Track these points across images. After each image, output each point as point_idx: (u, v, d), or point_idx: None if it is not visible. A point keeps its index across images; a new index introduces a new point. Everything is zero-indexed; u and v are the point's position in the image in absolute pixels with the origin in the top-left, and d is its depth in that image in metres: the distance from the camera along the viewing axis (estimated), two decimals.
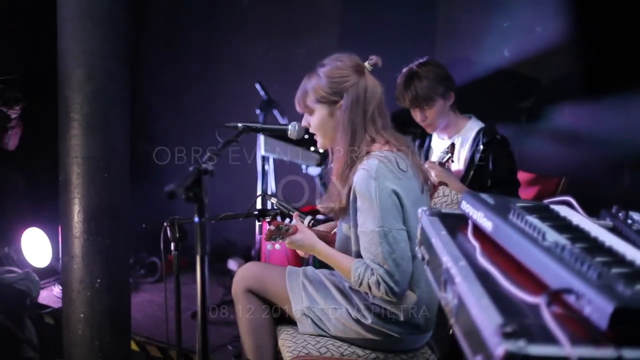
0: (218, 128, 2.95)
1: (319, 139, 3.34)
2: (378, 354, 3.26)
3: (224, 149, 2.67)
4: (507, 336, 1.35)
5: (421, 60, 4.41)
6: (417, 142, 4.76)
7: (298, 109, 3.36)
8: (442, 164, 4.35)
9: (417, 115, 4.43)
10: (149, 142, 7.36)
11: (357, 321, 3.23)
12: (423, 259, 2.29)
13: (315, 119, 3.28)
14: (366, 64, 3.31)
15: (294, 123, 3.21)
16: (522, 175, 4.69)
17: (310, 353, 3.22)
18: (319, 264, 3.47)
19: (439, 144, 4.65)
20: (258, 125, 3.09)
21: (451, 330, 1.78)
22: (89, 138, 4.03)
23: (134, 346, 5.14)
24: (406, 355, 3.30)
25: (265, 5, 6.84)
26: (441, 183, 4.24)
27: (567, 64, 5.17)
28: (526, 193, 4.68)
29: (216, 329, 5.35)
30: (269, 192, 5.70)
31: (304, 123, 3.36)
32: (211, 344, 4.94)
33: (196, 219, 2.35)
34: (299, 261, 4.89)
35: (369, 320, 3.21)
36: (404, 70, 4.39)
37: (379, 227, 3.02)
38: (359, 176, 3.07)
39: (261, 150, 5.60)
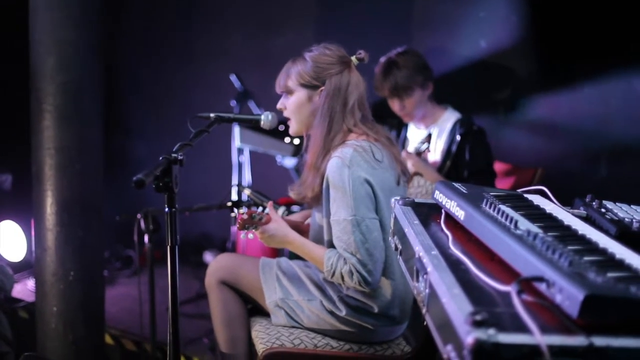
0: (190, 118, 2.91)
1: (292, 123, 3.31)
2: (352, 345, 3.25)
3: (196, 139, 2.64)
4: (477, 324, 1.34)
5: (400, 50, 4.41)
6: (393, 133, 4.75)
7: (277, 89, 3.33)
8: (418, 154, 4.35)
9: (395, 105, 4.42)
10: (125, 134, 7.33)
11: (331, 313, 3.22)
12: (396, 249, 2.28)
13: (292, 101, 3.26)
14: (353, 57, 3.30)
15: (266, 113, 3.19)
16: (498, 166, 4.69)
17: (283, 345, 3.20)
18: (294, 256, 3.45)
19: (415, 134, 4.65)
20: (230, 115, 3.06)
21: (425, 322, 1.77)
22: (62, 129, 4.00)
23: (108, 339, 5.10)
24: (381, 347, 3.29)
25: None
26: (417, 173, 4.23)
27: (544, 55, 5.17)
28: (503, 184, 4.68)
29: (192, 322, 5.32)
30: (245, 184, 5.68)
31: (279, 105, 3.33)
32: (187, 337, 4.93)
33: (166, 209, 2.32)
34: (276, 253, 4.87)
35: (343, 312, 3.19)
36: (383, 59, 4.39)
37: (352, 216, 3.00)
38: (333, 164, 3.05)
39: (236, 142, 5.58)
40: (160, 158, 2.31)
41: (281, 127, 4.46)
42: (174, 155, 2.33)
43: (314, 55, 3.23)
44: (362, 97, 3.24)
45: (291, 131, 3.35)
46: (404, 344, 3.36)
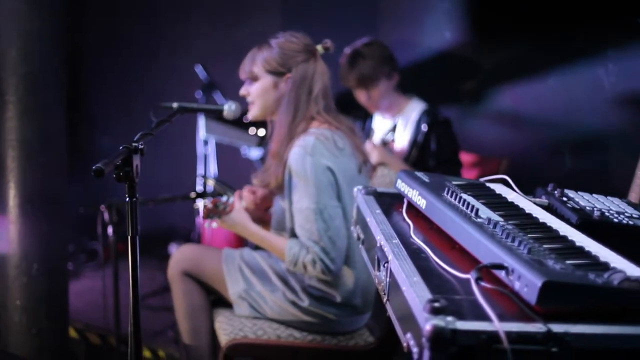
0: (153, 108, 2.89)
1: (253, 108, 3.30)
2: (315, 336, 3.24)
3: (157, 128, 2.62)
4: (435, 312, 1.34)
5: (365, 41, 4.42)
6: (358, 123, 4.75)
7: (242, 75, 3.32)
8: (384, 145, 4.35)
9: (361, 96, 4.43)
10: (90, 126, 7.28)
11: (294, 303, 3.21)
12: (358, 238, 2.27)
13: (257, 87, 3.25)
14: (319, 46, 3.30)
15: (230, 102, 3.17)
16: (464, 157, 4.71)
17: (246, 336, 3.19)
18: (258, 246, 3.44)
19: (380, 124, 4.65)
20: (194, 105, 3.04)
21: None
22: (24, 121, 3.95)
23: (73, 333, 5.06)
24: (344, 337, 3.28)
25: None
26: (383, 163, 4.24)
27: (509, 46, 5.18)
28: (469, 174, 4.70)
29: (157, 314, 5.29)
30: (210, 175, 5.66)
31: (242, 91, 3.32)
32: (151, 330, 4.91)
33: (127, 199, 2.31)
34: (241, 244, 4.86)
35: (305, 302, 3.19)
36: (348, 50, 4.39)
37: (314, 204, 3.00)
38: (295, 153, 3.05)
39: (201, 133, 5.56)
40: (121, 147, 2.29)
41: (246, 118, 4.45)
42: (134, 144, 2.30)
43: (281, 42, 3.23)
44: (326, 86, 3.25)
45: (250, 115, 3.35)
46: (368, 334, 3.37)
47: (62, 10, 4.12)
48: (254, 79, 3.26)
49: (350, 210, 2.71)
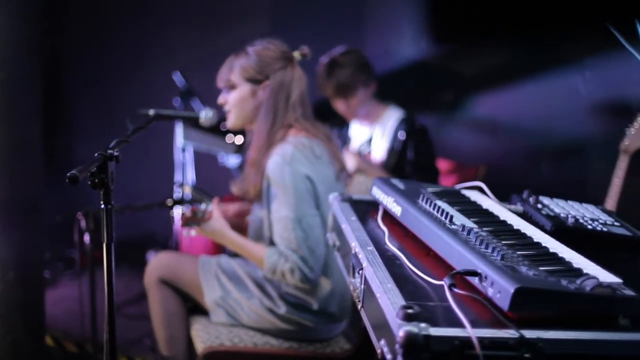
0: (130, 115, 2.88)
1: (231, 116, 3.30)
2: (292, 343, 3.24)
3: (133, 135, 2.61)
4: (409, 318, 1.34)
5: (342, 49, 4.42)
6: (336, 131, 4.75)
7: (219, 84, 3.32)
8: (362, 153, 4.36)
9: (339, 105, 4.43)
10: (69, 133, 7.25)
11: (271, 311, 3.21)
12: (334, 245, 2.28)
13: (235, 95, 3.25)
14: (296, 53, 3.30)
15: (206, 109, 3.17)
16: (442, 164, 4.72)
17: (223, 343, 3.18)
18: (235, 253, 3.43)
19: (358, 132, 4.66)
20: (170, 112, 3.04)
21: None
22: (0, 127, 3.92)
23: (49, 341, 5.03)
24: (320, 345, 3.28)
25: None
26: (360, 171, 4.24)
27: (486, 54, 5.21)
28: (446, 181, 4.71)
29: (134, 322, 5.26)
30: (188, 182, 5.65)
31: (220, 100, 3.32)
32: (128, 338, 4.88)
33: (102, 206, 2.30)
34: (219, 251, 4.85)
35: (282, 309, 3.19)
36: (325, 59, 4.40)
37: (293, 213, 3.00)
38: (273, 162, 3.05)
39: (179, 140, 5.55)
40: (96, 154, 2.28)
41: (224, 126, 4.45)
42: (109, 151, 2.30)
43: (258, 50, 3.23)
44: (303, 92, 3.26)
45: (228, 124, 3.35)
46: (344, 341, 3.36)
47: (38, 17, 4.10)
48: (232, 87, 3.26)
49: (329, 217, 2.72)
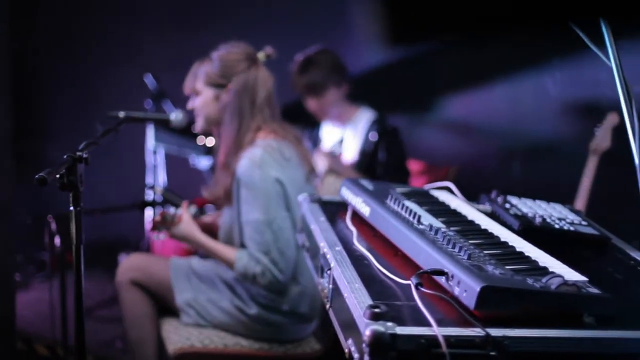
0: (101, 118, 2.88)
1: (198, 121, 3.34)
2: (262, 344, 3.24)
3: (103, 137, 2.60)
4: (375, 317, 1.35)
5: (317, 49, 4.43)
6: (307, 132, 4.76)
7: (186, 91, 3.34)
8: (333, 154, 4.37)
9: (310, 103, 4.43)
10: (39, 135, 7.20)
11: (241, 311, 3.20)
12: (303, 246, 2.28)
13: (199, 100, 3.27)
14: (260, 54, 3.31)
15: (176, 111, 3.17)
16: (413, 165, 4.73)
17: (193, 345, 3.17)
18: (205, 255, 3.43)
19: (329, 133, 4.66)
20: (140, 114, 3.03)
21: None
22: None
23: (20, 344, 5.00)
24: (291, 345, 3.28)
25: None
26: (332, 172, 4.25)
27: (456, 55, 5.22)
28: (417, 182, 4.72)
29: (106, 325, 5.24)
30: (159, 184, 5.64)
31: (189, 105, 3.34)
32: (100, 340, 4.86)
33: (71, 208, 2.29)
34: (191, 254, 4.84)
35: (252, 310, 3.19)
36: (300, 57, 4.40)
37: (263, 215, 3.01)
38: (243, 165, 3.06)
39: (150, 142, 5.53)
40: (65, 156, 2.28)
41: (194, 128, 4.43)
42: (78, 153, 2.29)
43: (221, 54, 3.24)
44: (270, 93, 3.26)
45: (196, 128, 3.37)
46: (315, 342, 3.37)
47: (7, 18, 4.07)
48: (197, 93, 3.27)
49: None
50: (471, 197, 2.34)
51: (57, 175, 2.22)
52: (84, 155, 2.31)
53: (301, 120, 4.65)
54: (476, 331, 1.36)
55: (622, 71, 1.61)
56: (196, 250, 4.41)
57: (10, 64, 4.13)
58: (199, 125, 3.35)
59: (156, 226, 3.24)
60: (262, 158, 3.05)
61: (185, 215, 3.27)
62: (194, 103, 3.30)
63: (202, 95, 3.26)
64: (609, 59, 1.65)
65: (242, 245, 3.13)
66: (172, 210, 3.32)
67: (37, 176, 2.09)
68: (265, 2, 6.10)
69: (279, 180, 3.06)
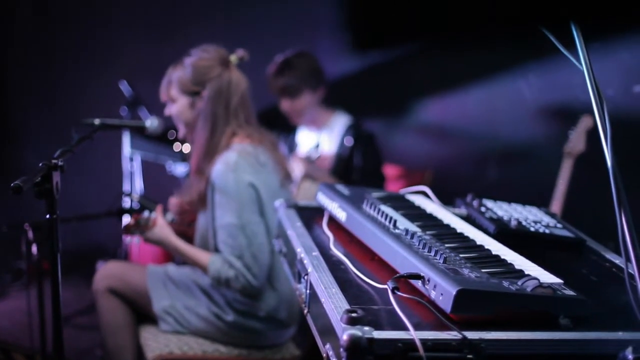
0: (75, 125, 2.86)
1: (180, 127, 3.33)
2: (241, 350, 3.24)
3: (78, 145, 2.60)
4: (352, 322, 1.36)
5: (296, 51, 4.43)
6: (283, 137, 4.76)
7: (162, 98, 3.33)
8: (310, 159, 4.37)
9: (284, 104, 4.43)
10: (13, 142, 7.17)
11: (219, 317, 3.20)
12: (281, 251, 2.28)
13: (175, 108, 3.26)
14: (233, 57, 3.30)
15: (151, 118, 3.16)
16: (389, 169, 4.74)
17: (172, 352, 3.17)
18: (182, 262, 3.43)
19: (305, 138, 4.66)
20: (115, 121, 3.02)
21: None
22: None
23: None
24: (270, 351, 3.28)
25: (136, 1, 6.73)
26: (308, 176, 4.25)
27: (431, 59, 5.24)
28: (393, 186, 4.73)
29: (84, 333, 5.22)
30: (136, 192, 5.62)
31: (166, 112, 3.33)
32: (79, 348, 4.84)
33: (47, 216, 2.29)
34: (168, 260, 4.83)
35: (230, 316, 3.19)
36: (278, 58, 4.41)
37: (237, 220, 3.01)
38: (217, 170, 3.06)
39: (126, 149, 5.52)
40: (40, 164, 2.27)
41: (171, 134, 4.44)
42: (54, 161, 2.29)
43: (193, 61, 3.23)
44: (244, 96, 3.25)
45: (180, 134, 3.36)
46: (294, 347, 3.37)
47: None
48: (172, 101, 3.26)
49: (274, 224, 2.72)
50: (447, 201, 2.35)
51: (33, 184, 2.21)
52: (60, 163, 2.30)
53: (277, 126, 4.65)
54: (453, 334, 1.37)
55: (594, 74, 1.62)
56: (173, 257, 4.41)
57: None
58: (181, 131, 3.34)
59: (129, 230, 3.23)
60: (236, 162, 3.05)
61: (159, 219, 3.26)
62: (171, 110, 3.29)
63: (177, 103, 3.25)
64: (580, 62, 1.66)
65: (217, 250, 3.13)
66: (146, 214, 3.31)
67: (12, 184, 2.09)
68: (241, 7, 6.09)
69: (252, 185, 3.06)
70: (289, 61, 4.36)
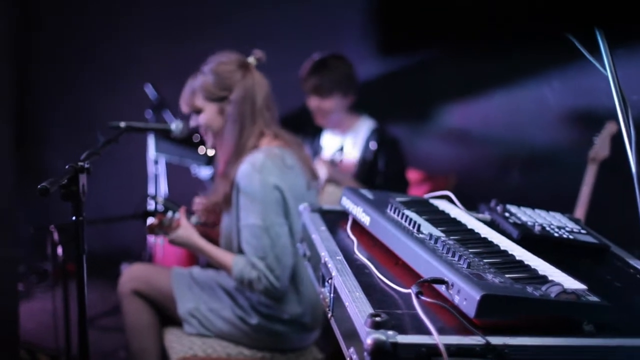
0: (101, 128, 2.89)
1: (209, 138, 3.32)
2: (265, 353, 3.25)
3: (104, 148, 2.62)
4: (376, 326, 1.36)
5: (336, 54, 4.46)
6: (307, 141, 4.77)
7: (184, 109, 3.32)
8: (334, 162, 4.38)
9: (312, 102, 4.45)
10: (40, 144, 7.21)
11: (243, 321, 3.21)
12: (305, 255, 2.29)
13: (204, 118, 3.25)
14: (251, 59, 3.31)
15: (177, 121, 3.17)
16: (412, 174, 4.75)
17: (196, 354, 3.18)
18: (209, 264, 3.44)
19: (329, 141, 4.67)
20: (141, 124, 3.04)
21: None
22: None
23: (23, 355, 5.00)
24: (293, 354, 3.29)
25: (161, 5, 6.75)
26: (332, 180, 4.26)
27: (456, 65, 5.23)
28: (417, 191, 4.73)
29: (108, 334, 5.25)
30: (161, 194, 5.64)
31: (192, 123, 3.33)
32: (103, 350, 4.86)
33: (73, 218, 2.30)
34: (193, 263, 4.85)
35: (254, 319, 3.19)
36: (317, 56, 4.43)
37: (261, 221, 3.02)
38: (243, 170, 3.07)
39: (151, 152, 5.55)
40: (67, 166, 2.29)
41: (196, 137, 4.44)
42: (80, 163, 2.31)
43: (213, 67, 3.23)
44: (267, 95, 3.27)
45: (209, 146, 3.36)
46: (317, 351, 3.38)
47: (6, 26, 4.07)
48: (198, 111, 3.26)
49: (298, 227, 2.72)
50: (468, 205, 2.35)
51: (60, 186, 2.23)
52: (86, 166, 2.32)
53: (303, 129, 4.67)
54: (476, 339, 1.37)
55: (618, 80, 1.62)
56: (198, 259, 4.43)
57: (12, 72, 4.14)
58: (209, 142, 3.34)
59: (153, 230, 3.25)
60: (263, 164, 3.06)
61: (183, 220, 3.28)
62: (198, 120, 3.29)
63: (205, 112, 3.24)
64: (605, 68, 1.66)
65: (241, 251, 3.14)
66: (169, 214, 3.33)
67: (39, 186, 2.11)
68: (264, 10, 6.10)
69: (278, 187, 3.07)
70: (326, 61, 4.39)
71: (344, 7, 5.70)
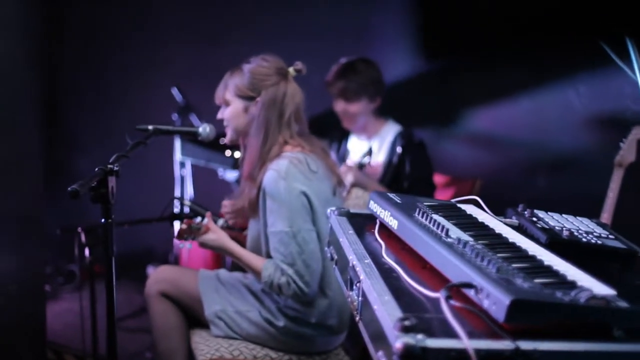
0: (129, 131, 2.91)
1: (228, 131, 3.37)
2: (291, 356, 3.26)
3: (132, 150, 2.64)
4: (406, 330, 1.36)
5: (363, 58, 4.48)
6: (334, 145, 4.78)
7: (216, 101, 3.37)
8: (360, 168, 4.38)
9: (339, 105, 4.47)
10: (69, 146, 7.25)
11: (270, 323, 3.22)
12: (332, 259, 2.29)
13: (229, 112, 3.30)
14: (291, 69, 3.33)
15: (204, 125, 3.19)
16: (439, 178, 4.74)
17: (223, 356, 3.20)
18: (235, 267, 3.45)
19: (356, 145, 4.68)
20: (169, 127, 3.06)
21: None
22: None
23: (50, 355, 5.04)
24: (320, 357, 3.30)
25: (186, 9, 6.77)
26: (358, 185, 4.26)
27: (481, 68, 5.22)
28: (443, 195, 4.73)
29: (135, 336, 5.28)
30: (186, 197, 5.67)
31: (219, 115, 3.37)
32: (129, 351, 4.89)
33: (102, 220, 2.32)
34: (218, 265, 4.86)
35: (281, 322, 3.21)
36: (344, 60, 4.44)
37: (288, 227, 3.03)
38: (269, 177, 3.08)
39: (177, 155, 5.57)
40: (96, 169, 2.31)
41: (222, 140, 4.45)
42: (109, 166, 2.33)
43: (252, 67, 3.26)
44: (298, 108, 3.28)
45: (227, 139, 3.40)
46: (343, 354, 3.38)
47: (37, 31, 4.11)
48: (226, 104, 3.30)
49: (326, 232, 2.72)
50: (495, 209, 2.34)
51: (89, 188, 2.25)
52: (115, 168, 2.34)
53: (329, 133, 4.68)
54: (506, 344, 1.37)
55: None
56: (224, 262, 4.44)
57: (41, 76, 4.18)
58: (228, 136, 3.38)
59: (182, 235, 3.27)
60: (287, 170, 3.07)
61: (211, 224, 3.30)
62: (224, 113, 3.33)
63: (231, 106, 3.28)
64: (634, 73, 1.66)
65: (269, 256, 3.15)
66: (198, 219, 3.35)
67: (69, 189, 2.13)
68: (293, 14, 6.12)
69: (304, 193, 3.09)
70: (354, 65, 4.40)
71: (372, 10, 5.71)
